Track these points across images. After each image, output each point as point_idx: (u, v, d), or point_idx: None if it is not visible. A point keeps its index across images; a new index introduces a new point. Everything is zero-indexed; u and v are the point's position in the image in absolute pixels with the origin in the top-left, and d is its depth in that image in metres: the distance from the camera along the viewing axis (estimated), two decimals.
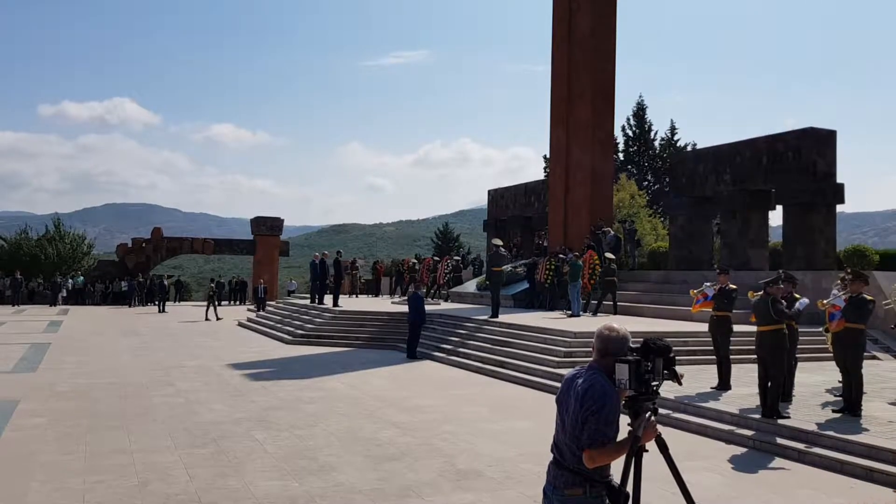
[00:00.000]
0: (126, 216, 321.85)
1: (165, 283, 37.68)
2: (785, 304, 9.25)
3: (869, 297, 9.24)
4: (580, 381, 3.45)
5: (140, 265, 44.04)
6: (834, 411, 9.28)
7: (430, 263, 30.21)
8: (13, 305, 37.88)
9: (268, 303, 31.94)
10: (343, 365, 15.71)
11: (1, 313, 31.85)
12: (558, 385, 12.40)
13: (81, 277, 42.43)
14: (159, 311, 34.36)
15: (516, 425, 9.77)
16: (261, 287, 34.43)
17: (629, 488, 3.48)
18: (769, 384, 9.05)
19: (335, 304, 23.14)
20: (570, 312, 19.19)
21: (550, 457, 3.59)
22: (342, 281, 24.83)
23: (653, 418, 3.50)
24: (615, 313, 19.23)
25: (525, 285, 23.70)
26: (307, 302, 25.75)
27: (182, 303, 43.85)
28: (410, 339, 17.07)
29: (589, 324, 16.69)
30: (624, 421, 3.46)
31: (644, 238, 32.42)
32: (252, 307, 32.43)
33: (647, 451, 3.54)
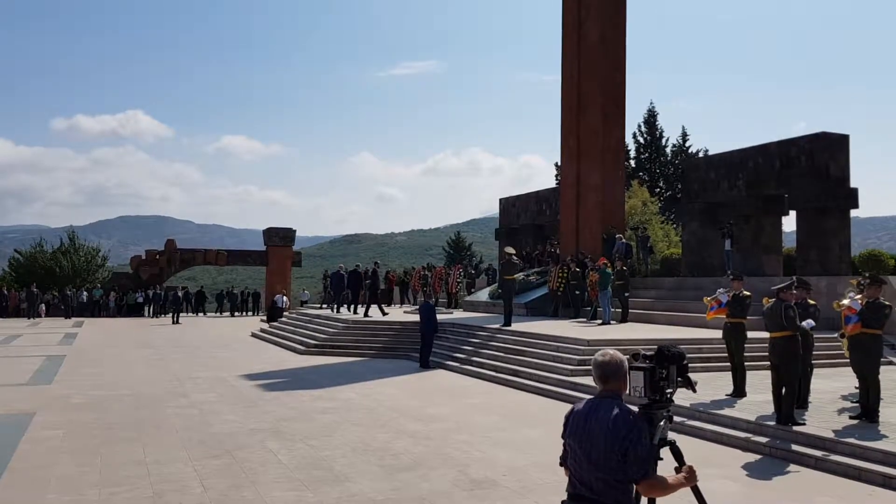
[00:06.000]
0: (139, 228, 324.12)
1: (179, 294, 37.79)
2: (798, 310, 9.18)
3: (886, 302, 9.16)
4: (601, 413, 3.37)
5: (154, 277, 44.29)
6: (851, 418, 9.19)
7: (442, 272, 30.24)
8: (29, 318, 38.16)
9: (285, 312, 32.02)
10: (356, 375, 15.72)
11: (17, 326, 32.10)
12: (572, 393, 12.25)
13: (101, 289, 42.66)
14: (173, 323, 34.48)
15: (530, 434, 9.73)
16: (281, 297, 34.34)
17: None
18: (783, 391, 8.98)
19: (366, 314, 23.23)
20: (599, 321, 19.06)
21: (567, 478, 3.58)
22: (377, 291, 25.21)
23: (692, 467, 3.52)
24: (624, 320, 19.12)
25: (538, 293, 23.65)
26: (319, 311, 25.97)
27: (196, 314, 43.87)
28: (423, 348, 17.06)
29: (605, 332, 16.64)
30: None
31: (657, 245, 32.32)
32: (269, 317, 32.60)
33: (661, 458, 3.53)
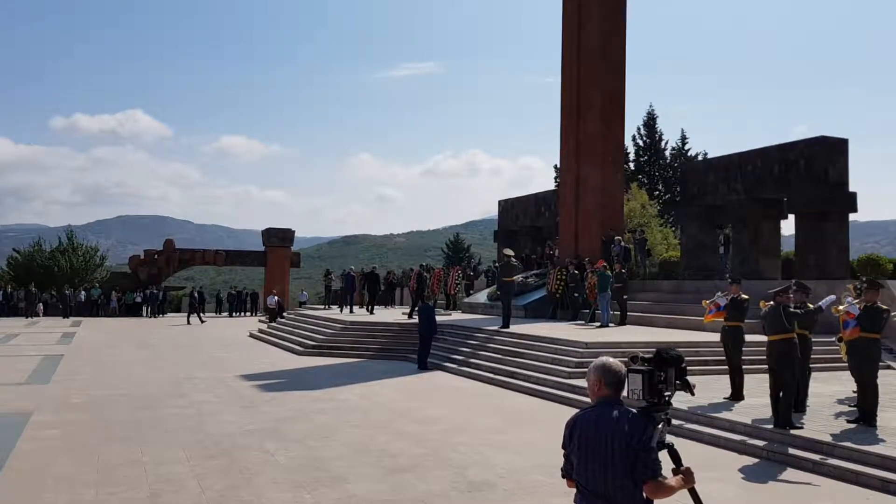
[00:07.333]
0: (138, 228, 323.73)
1: (196, 295, 37.24)
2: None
3: (884, 307, 9.18)
4: (611, 419, 3.36)
5: (152, 277, 44.26)
6: (849, 422, 9.20)
7: (441, 274, 30.23)
8: (27, 317, 38.13)
9: (284, 313, 31.95)
10: (354, 376, 15.71)
11: (15, 325, 32.07)
12: (570, 395, 12.20)
13: (99, 289, 42.58)
14: (200, 322, 33.89)
15: (528, 436, 9.73)
16: (272, 298, 34.13)
17: None
18: (781, 394, 8.99)
19: (410, 315, 23.43)
20: (598, 324, 19.07)
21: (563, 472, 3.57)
22: (423, 293, 25.51)
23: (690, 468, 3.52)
24: (622, 323, 19.12)
25: (536, 295, 23.65)
26: (319, 312, 26.21)
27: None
28: (421, 350, 17.06)
29: (603, 335, 16.63)
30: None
31: (655, 248, 32.30)
32: (264, 318, 32.44)
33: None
